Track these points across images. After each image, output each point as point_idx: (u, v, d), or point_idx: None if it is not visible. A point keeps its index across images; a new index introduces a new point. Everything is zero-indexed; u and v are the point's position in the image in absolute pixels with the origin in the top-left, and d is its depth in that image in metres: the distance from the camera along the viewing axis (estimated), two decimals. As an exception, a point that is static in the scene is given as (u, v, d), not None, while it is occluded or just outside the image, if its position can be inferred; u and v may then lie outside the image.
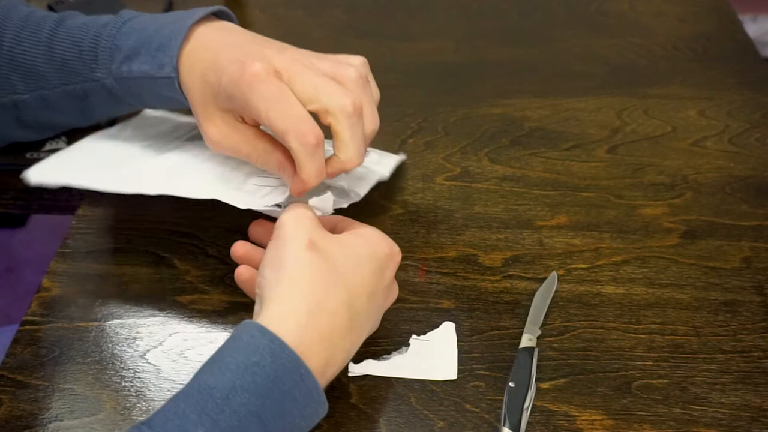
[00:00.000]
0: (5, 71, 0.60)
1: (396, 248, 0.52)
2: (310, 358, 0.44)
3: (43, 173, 0.58)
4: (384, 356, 0.54)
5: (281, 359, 0.43)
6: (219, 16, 0.59)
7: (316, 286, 0.46)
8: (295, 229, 0.49)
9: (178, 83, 0.56)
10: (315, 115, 0.52)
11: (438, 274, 0.60)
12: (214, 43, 0.55)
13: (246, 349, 0.43)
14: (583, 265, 0.60)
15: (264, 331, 0.44)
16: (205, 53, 0.55)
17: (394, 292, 0.54)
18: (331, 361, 0.46)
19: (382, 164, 0.65)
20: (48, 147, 0.69)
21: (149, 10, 0.85)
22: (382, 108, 0.66)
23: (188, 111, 0.58)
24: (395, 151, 0.68)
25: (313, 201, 0.54)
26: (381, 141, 0.65)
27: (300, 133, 0.50)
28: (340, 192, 0.59)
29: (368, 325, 0.50)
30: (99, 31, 0.58)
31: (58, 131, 0.68)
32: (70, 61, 0.59)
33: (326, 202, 0.54)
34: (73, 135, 0.69)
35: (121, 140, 0.65)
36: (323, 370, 0.46)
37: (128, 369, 0.54)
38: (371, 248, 0.50)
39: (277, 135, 0.52)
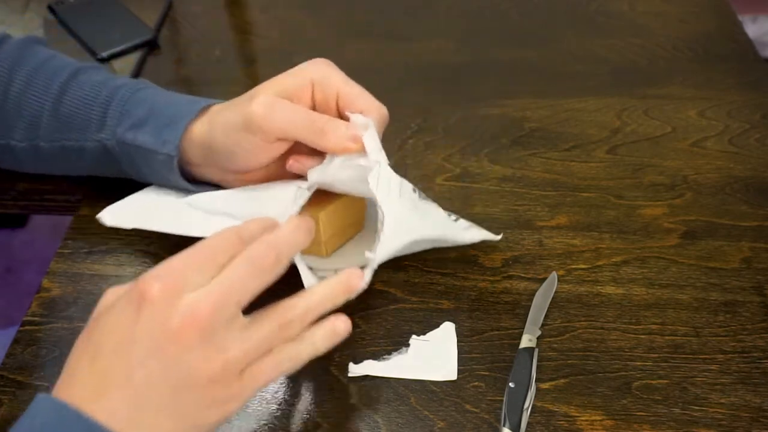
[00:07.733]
0: (11, 115, 0.61)
1: (139, 284, 0.42)
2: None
3: (116, 217, 0.60)
4: (384, 356, 0.54)
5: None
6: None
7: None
8: None
9: (177, 163, 0.57)
10: None
11: (438, 274, 0.60)
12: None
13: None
14: (583, 266, 0.60)
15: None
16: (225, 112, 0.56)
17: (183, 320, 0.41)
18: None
19: (455, 226, 0.60)
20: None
21: (149, 10, 0.86)
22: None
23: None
24: (394, 153, 0.68)
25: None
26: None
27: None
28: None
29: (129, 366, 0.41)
30: (111, 93, 0.59)
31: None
32: (76, 121, 0.60)
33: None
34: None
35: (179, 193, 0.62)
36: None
37: (128, 369, 0.54)
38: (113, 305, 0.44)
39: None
